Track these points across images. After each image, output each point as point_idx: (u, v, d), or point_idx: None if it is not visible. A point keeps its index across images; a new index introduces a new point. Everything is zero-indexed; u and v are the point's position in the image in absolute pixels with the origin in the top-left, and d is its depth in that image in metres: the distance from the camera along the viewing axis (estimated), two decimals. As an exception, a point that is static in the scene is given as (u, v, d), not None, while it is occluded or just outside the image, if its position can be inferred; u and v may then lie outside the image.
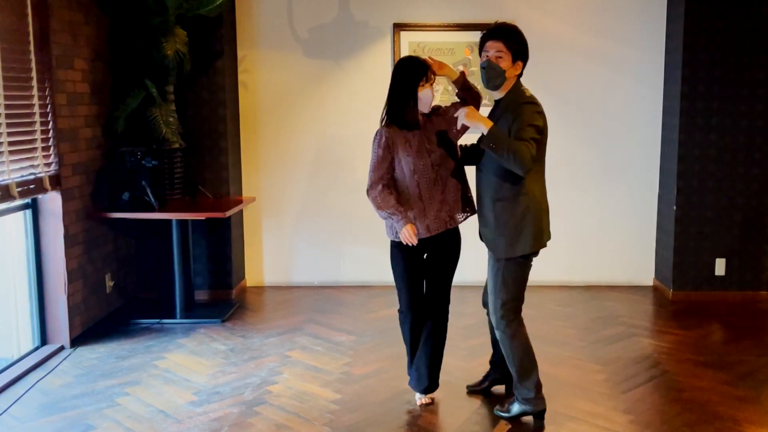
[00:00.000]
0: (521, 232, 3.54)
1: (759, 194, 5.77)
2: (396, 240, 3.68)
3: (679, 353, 4.67)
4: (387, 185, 3.65)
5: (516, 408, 3.73)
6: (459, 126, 3.56)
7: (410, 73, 3.62)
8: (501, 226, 3.55)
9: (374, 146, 3.67)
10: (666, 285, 5.99)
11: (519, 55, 3.52)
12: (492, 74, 3.48)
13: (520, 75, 3.57)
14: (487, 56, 3.50)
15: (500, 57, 3.47)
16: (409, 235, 3.55)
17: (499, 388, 4.06)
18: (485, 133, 3.39)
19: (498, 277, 3.60)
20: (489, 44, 3.51)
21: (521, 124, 3.41)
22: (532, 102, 3.51)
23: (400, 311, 3.84)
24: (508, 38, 3.49)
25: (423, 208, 3.64)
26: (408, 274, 3.73)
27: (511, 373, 3.75)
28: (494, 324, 3.68)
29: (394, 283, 3.82)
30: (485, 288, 3.88)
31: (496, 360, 4.01)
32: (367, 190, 3.69)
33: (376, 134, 3.68)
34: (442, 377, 4.18)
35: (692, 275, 5.86)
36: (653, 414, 3.79)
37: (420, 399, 3.91)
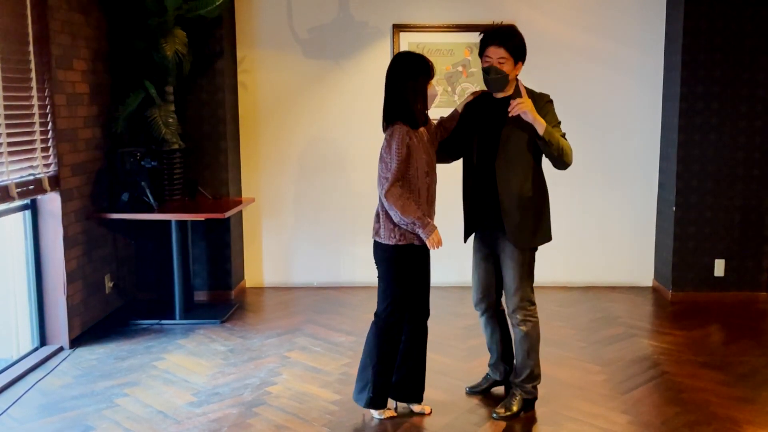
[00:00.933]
0: (546, 222, 3.76)
1: (758, 195, 5.77)
2: (401, 244, 3.53)
3: (679, 354, 4.67)
4: (402, 186, 3.51)
5: (519, 403, 3.77)
6: (514, 115, 3.50)
7: (419, 70, 3.51)
8: (528, 217, 3.65)
9: (394, 144, 3.44)
10: (665, 286, 5.99)
11: (520, 57, 3.61)
12: (497, 80, 3.56)
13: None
14: (490, 62, 3.54)
15: (502, 63, 3.54)
16: (439, 240, 3.49)
17: (499, 390, 4.05)
18: (540, 131, 3.51)
19: (525, 267, 3.70)
20: (491, 50, 3.55)
21: (553, 123, 3.62)
22: (552, 100, 3.71)
23: (391, 318, 3.62)
24: (510, 43, 3.55)
25: (429, 211, 3.61)
26: (413, 280, 3.62)
27: (515, 370, 3.82)
28: (521, 316, 3.73)
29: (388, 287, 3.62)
30: (481, 288, 3.88)
31: (495, 363, 4.02)
32: (386, 192, 3.44)
33: (395, 132, 3.46)
34: (442, 378, 4.19)
35: (691, 276, 5.86)
36: (652, 414, 3.80)
37: (380, 414, 3.75)
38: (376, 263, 3.67)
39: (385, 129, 3.57)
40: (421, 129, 3.60)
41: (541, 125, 3.50)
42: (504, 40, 3.53)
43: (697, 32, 5.62)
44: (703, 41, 5.63)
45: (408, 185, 3.51)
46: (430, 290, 3.76)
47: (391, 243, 3.56)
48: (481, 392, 4.04)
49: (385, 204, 3.49)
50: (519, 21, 5.85)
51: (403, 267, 3.60)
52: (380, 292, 3.67)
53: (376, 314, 3.71)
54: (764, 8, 5.59)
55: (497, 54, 3.53)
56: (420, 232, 3.47)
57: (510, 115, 3.51)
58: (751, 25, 5.61)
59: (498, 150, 3.61)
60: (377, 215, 3.63)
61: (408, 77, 3.50)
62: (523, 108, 3.47)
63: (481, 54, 3.60)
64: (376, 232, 3.62)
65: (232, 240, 5.94)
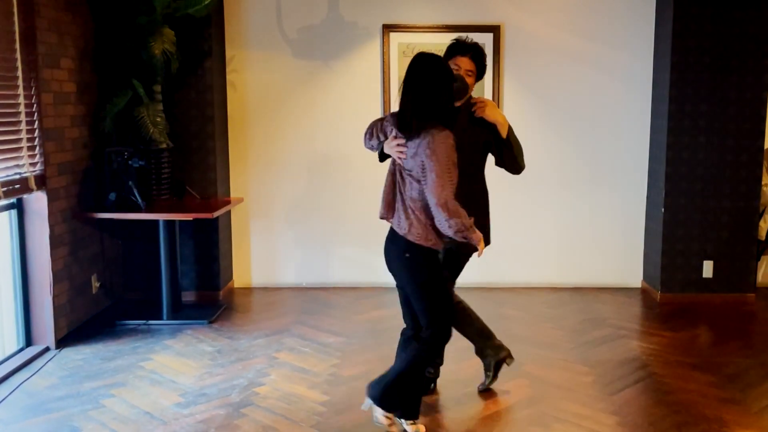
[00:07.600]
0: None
1: (746, 197, 5.79)
2: (434, 248, 3.33)
3: (667, 355, 4.68)
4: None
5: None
6: (479, 116, 3.66)
7: (448, 71, 3.36)
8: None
9: (444, 149, 3.21)
10: (654, 287, 6.01)
11: (481, 75, 3.80)
12: (461, 89, 3.64)
13: None
14: (458, 71, 3.64)
15: (470, 75, 3.70)
16: (483, 246, 3.40)
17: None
18: (503, 132, 3.65)
19: None
20: (463, 60, 3.68)
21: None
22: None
23: (445, 333, 3.46)
24: (480, 60, 3.72)
25: None
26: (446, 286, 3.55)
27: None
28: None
29: (428, 296, 3.41)
30: None
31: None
32: (446, 203, 3.18)
33: (443, 137, 3.22)
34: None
35: (680, 277, 5.88)
36: (641, 416, 3.80)
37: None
38: (407, 266, 3.43)
39: (411, 129, 3.29)
40: None
41: (503, 126, 3.63)
42: (477, 56, 3.70)
43: (686, 35, 5.63)
44: (692, 44, 5.64)
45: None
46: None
47: (426, 245, 3.34)
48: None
49: (442, 213, 3.20)
50: (507, 23, 5.86)
51: (445, 273, 3.46)
52: (425, 308, 3.45)
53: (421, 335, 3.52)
54: (752, 11, 5.61)
55: (467, 66, 3.68)
56: (472, 237, 3.26)
57: (476, 115, 3.65)
58: (739, 28, 5.63)
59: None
60: (405, 212, 3.36)
61: (440, 78, 3.32)
62: (487, 109, 3.64)
63: (447, 59, 3.65)
64: (407, 231, 3.36)
65: (220, 240, 5.91)
